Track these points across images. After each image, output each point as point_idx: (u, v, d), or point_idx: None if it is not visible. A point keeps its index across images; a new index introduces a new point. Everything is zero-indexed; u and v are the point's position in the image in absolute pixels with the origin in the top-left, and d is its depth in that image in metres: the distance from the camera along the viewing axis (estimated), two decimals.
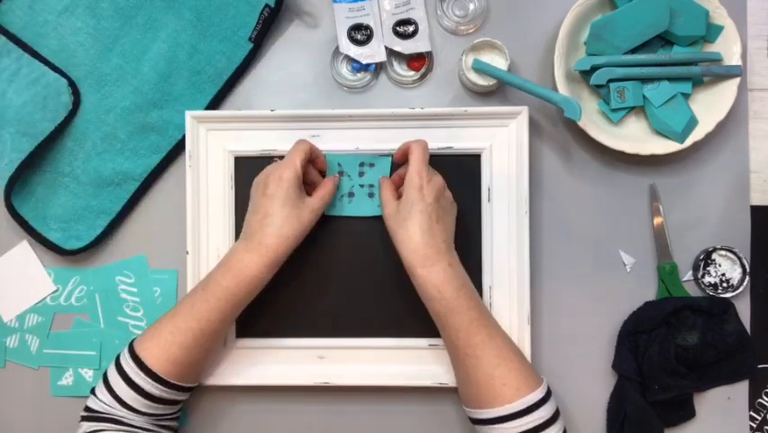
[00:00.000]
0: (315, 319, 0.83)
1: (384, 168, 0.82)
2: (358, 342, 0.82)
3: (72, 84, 0.83)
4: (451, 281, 0.73)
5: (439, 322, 0.75)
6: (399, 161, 0.80)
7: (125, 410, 0.72)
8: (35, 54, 0.84)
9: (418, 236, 0.73)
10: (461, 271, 0.74)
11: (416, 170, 0.74)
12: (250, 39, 0.84)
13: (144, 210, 0.86)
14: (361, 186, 0.82)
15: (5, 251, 0.86)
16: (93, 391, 0.74)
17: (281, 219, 0.74)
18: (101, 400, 0.73)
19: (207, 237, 0.83)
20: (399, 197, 0.76)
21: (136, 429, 0.72)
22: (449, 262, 0.73)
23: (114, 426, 0.72)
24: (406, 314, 0.82)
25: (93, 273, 0.86)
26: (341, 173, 0.82)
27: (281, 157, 0.79)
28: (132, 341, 0.76)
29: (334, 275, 0.82)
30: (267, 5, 0.83)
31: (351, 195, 0.82)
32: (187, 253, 0.82)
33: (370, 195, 0.82)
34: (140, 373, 0.72)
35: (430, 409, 0.84)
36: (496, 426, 0.71)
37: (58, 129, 0.83)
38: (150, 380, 0.72)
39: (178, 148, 0.85)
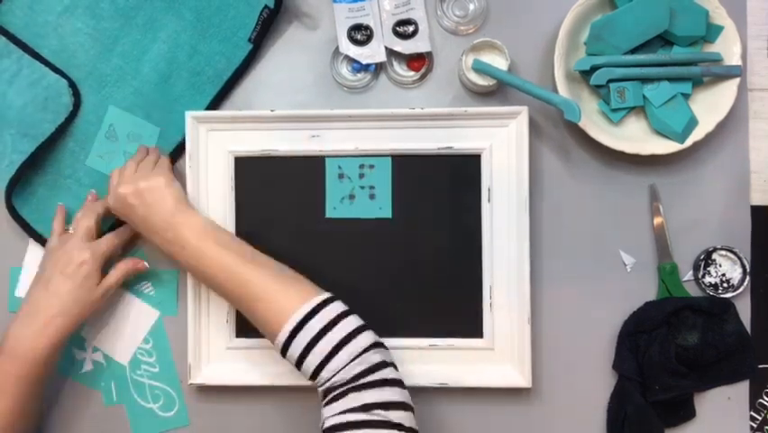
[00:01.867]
0: None
1: (384, 168, 0.82)
2: None
3: (72, 85, 0.83)
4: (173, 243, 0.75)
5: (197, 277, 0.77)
6: None
7: None
8: (35, 55, 0.84)
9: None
10: (183, 236, 0.75)
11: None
12: (249, 39, 0.84)
13: None
14: (362, 188, 0.82)
15: (5, 250, 0.86)
16: None
17: (71, 300, 0.75)
18: None
19: None
20: None
21: None
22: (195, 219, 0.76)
23: None
24: (406, 314, 0.82)
25: None
26: (341, 176, 0.82)
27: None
28: None
29: (334, 276, 0.82)
30: (266, 6, 0.83)
31: (351, 197, 0.82)
32: None
33: (371, 196, 0.82)
34: None
35: (430, 409, 0.83)
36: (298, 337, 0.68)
37: (58, 130, 0.83)
38: None
39: (178, 148, 0.85)
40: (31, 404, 0.75)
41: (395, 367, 0.69)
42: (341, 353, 0.67)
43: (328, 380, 0.67)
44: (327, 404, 0.66)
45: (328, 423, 0.64)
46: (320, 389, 0.68)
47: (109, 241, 0.80)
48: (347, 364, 0.66)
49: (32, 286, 0.78)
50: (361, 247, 0.83)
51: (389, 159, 0.82)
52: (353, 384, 0.66)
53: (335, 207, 0.82)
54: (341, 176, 0.82)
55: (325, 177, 0.82)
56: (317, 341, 0.67)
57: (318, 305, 0.69)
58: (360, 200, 0.82)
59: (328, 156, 0.82)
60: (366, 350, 0.67)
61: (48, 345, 0.74)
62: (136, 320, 0.85)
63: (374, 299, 0.82)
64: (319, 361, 0.67)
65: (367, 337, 0.68)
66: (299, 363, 0.68)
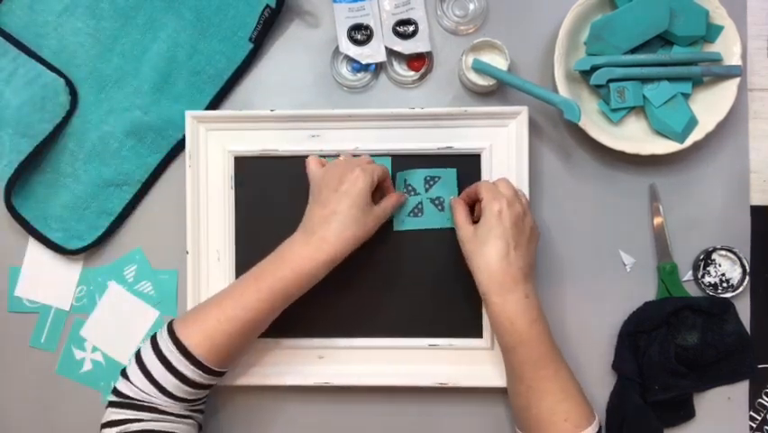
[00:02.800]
0: (316, 319, 0.82)
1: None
2: (358, 342, 0.82)
3: (69, 84, 0.83)
4: (525, 313, 0.71)
5: (506, 352, 0.74)
6: (471, 201, 0.78)
7: (163, 397, 0.71)
8: (32, 54, 0.84)
9: (495, 263, 0.71)
10: (536, 303, 0.73)
11: (494, 195, 0.73)
12: (250, 39, 0.84)
13: (144, 210, 0.86)
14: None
15: (5, 250, 0.86)
16: (124, 374, 0.72)
17: (348, 219, 0.73)
18: (135, 386, 0.71)
19: (207, 237, 0.83)
20: (475, 220, 0.75)
21: (173, 417, 0.71)
22: (525, 292, 0.72)
23: (152, 415, 0.70)
24: (406, 314, 0.82)
25: (93, 273, 0.86)
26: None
27: (335, 155, 0.80)
28: (171, 323, 0.73)
29: (333, 276, 0.82)
30: (268, 6, 0.83)
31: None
32: (187, 253, 0.82)
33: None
34: (182, 358, 0.71)
35: (429, 409, 0.84)
36: None
37: (56, 129, 0.83)
38: (191, 366, 0.71)
39: (178, 148, 0.85)
40: (278, 312, 0.75)
41: None
42: None
43: None
44: None
45: None
46: None
47: (379, 167, 0.77)
48: None
49: (309, 207, 0.76)
50: (361, 246, 0.82)
51: (389, 159, 0.82)
52: None
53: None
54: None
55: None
56: None
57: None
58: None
59: (328, 156, 0.82)
60: None
61: (323, 261, 0.73)
62: (135, 320, 0.85)
63: (374, 298, 0.82)
64: None
65: None
66: None
